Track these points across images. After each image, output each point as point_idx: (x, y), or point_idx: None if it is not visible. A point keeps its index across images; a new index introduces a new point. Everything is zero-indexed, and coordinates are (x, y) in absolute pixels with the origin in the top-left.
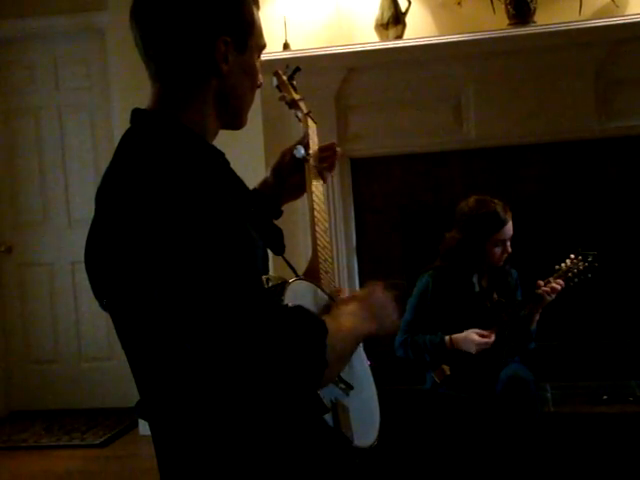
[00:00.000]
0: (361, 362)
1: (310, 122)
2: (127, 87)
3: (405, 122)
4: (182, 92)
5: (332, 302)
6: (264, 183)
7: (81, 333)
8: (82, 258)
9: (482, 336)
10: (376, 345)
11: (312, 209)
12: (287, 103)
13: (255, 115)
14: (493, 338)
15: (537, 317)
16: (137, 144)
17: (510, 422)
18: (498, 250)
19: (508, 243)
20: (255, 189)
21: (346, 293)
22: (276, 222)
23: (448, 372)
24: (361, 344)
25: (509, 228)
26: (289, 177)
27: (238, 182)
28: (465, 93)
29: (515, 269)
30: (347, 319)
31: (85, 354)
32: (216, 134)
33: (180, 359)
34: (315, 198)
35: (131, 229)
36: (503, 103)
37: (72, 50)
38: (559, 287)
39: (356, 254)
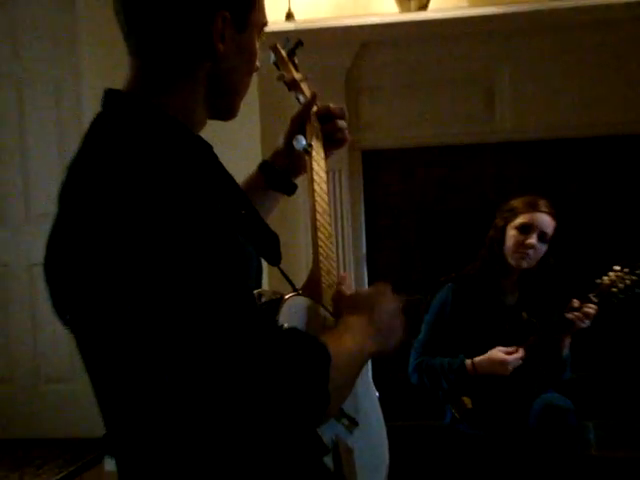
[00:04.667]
0: (367, 391)
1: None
2: (100, 60)
3: (428, 109)
4: (166, 73)
5: (334, 321)
6: (275, 154)
7: (39, 349)
8: (42, 261)
9: (508, 353)
10: (385, 370)
11: (314, 210)
12: (286, 84)
13: (251, 102)
14: (522, 353)
15: (567, 342)
16: (109, 132)
17: (546, 463)
18: (516, 234)
19: (534, 235)
20: (266, 163)
21: (350, 284)
22: (272, 227)
23: (469, 405)
24: (369, 369)
25: (541, 219)
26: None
27: (228, 180)
28: (499, 76)
29: (551, 280)
30: (350, 336)
31: (44, 374)
32: (204, 124)
33: (154, 390)
34: (318, 197)
35: (100, 234)
36: (545, 88)
37: (34, 13)
38: (593, 312)
39: (366, 265)
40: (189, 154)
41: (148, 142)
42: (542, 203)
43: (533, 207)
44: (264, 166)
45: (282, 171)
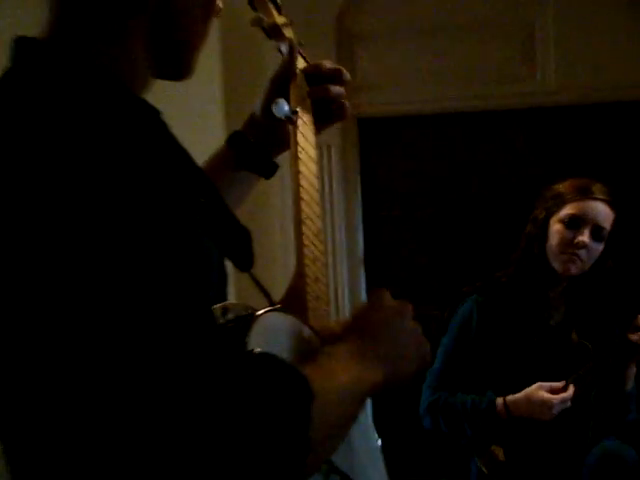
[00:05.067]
0: (365, 439)
1: (300, 60)
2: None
3: (445, 63)
4: (95, 14)
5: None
6: (250, 123)
7: None
8: None
9: (552, 390)
10: (389, 409)
11: (298, 198)
12: (265, 30)
13: (210, 55)
14: (572, 391)
15: (632, 373)
16: (23, 90)
17: None
18: (562, 230)
19: (586, 231)
20: (238, 134)
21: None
22: (242, 220)
23: (501, 457)
24: (368, 410)
25: (595, 209)
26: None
27: (181, 156)
28: (541, 22)
29: (610, 291)
30: (343, 367)
31: None
32: (148, 85)
33: (66, 430)
34: (304, 181)
35: (5, 222)
36: (600, 39)
37: None
38: None
39: (364, 269)
40: (131, 120)
41: (76, 104)
42: (597, 188)
43: (585, 193)
44: (235, 139)
45: (258, 146)
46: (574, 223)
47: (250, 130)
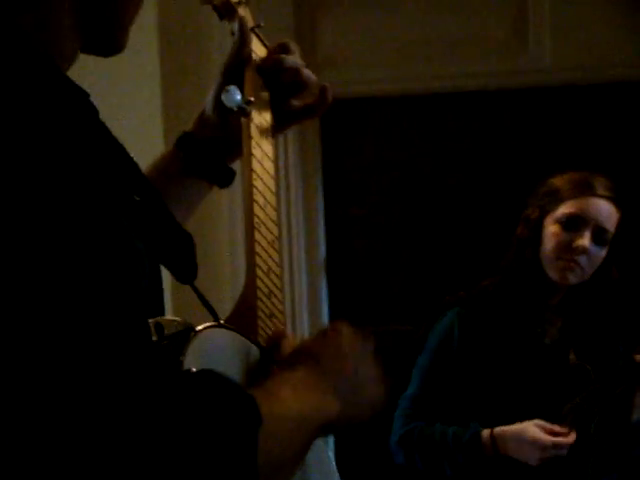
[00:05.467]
0: (324, 476)
1: (257, 44)
2: None
3: (424, 35)
4: None
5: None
6: (200, 122)
7: None
8: None
9: (551, 432)
10: (351, 444)
11: (251, 201)
12: (216, 9)
13: (147, 32)
14: (573, 438)
15: (639, 400)
16: None
17: None
18: (559, 232)
19: (587, 233)
20: (188, 136)
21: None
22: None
23: None
24: (328, 445)
25: (597, 207)
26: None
27: (112, 145)
28: None
29: (614, 304)
30: (296, 395)
31: None
32: (73, 59)
33: None
34: (257, 182)
35: None
36: (601, 10)
37: None
38: None
39: (325, 276)
40: (54, 101)
41: None
42: (599, 183)
43: (585, 189)
44: (183, 141)
45: (210, 149)
46: (572, 224)
47: (201, 130)
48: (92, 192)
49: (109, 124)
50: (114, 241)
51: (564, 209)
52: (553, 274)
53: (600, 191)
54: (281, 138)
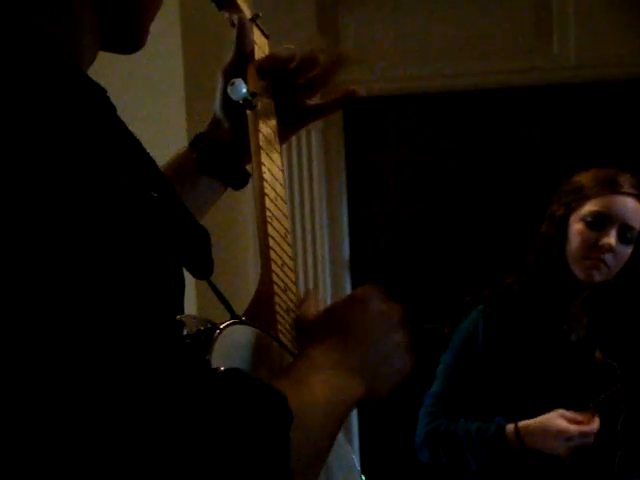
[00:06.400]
0: (346, 468)
1: (258, 34)
2: None
3: (446, 32)
4: None
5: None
6: (213, 124)
7: None
8: None
9: (574, 421)
10: (377, 438)
11: (261, 195)
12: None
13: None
14: (597, 425)
15: None
16: None
17: None
18: (584, 230)
19: (613, 232)
20: (202, 136)
21: (319, 303)
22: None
23: None
24: (347, 447)
25: (624, 205)
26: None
27: (130, 143)
28: None
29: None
30: (321, 379)
31: None
32: (94, 58)
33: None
34: (267, 174)
35: None
36: (627, 7)
37: None
38: None
39: (349, 274)
40: (74, 100)
41: (8, 79)
42: (625, 180)
43: (611, 187)
44: (198, 141)
45: (223, 149)
46: (598, 222)
47: (215, 131)
48: (118, 192)
49: (131, 120)
50: (141, 240)
51: (590, 207)
52: (579, 272)
53: (626, 188)
54: (304, 137)
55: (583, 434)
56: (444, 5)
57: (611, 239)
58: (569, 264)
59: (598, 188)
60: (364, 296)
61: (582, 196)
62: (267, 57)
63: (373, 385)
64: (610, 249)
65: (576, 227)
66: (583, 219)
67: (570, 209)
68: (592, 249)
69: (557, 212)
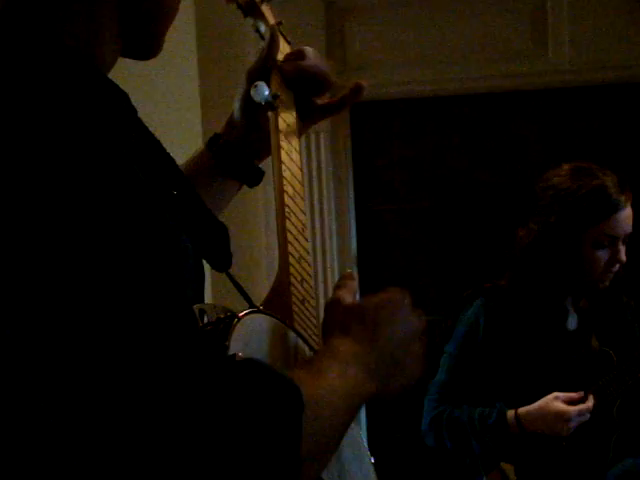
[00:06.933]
0: (357, 456)
1: (282, 41)
2: None
3: (447, 40)
4: None
5: (311, 352)
6: (229, 124)
7: None
8: None
9: (570, 401)
10: (385, 426)
11: (281, 191)
12: (241, 6)
13: (184, 35)
14: (591, 402)
15: None
16: None
17: None
18: (602, 254)
19: (622, 246)
20: (218, 137)
21: (355, 288)
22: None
23: (513, 477)
24: (356, 428)
25: (625, 218)
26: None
27: (151, 144)
28: None
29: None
30: (338, 370)
31: None
32: (113, 63)
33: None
34: (286, 172)
35: None
36: (621, 11)
37: None
38: None
39: (357, 268)
40: (95, 103)
41: (34, 84)
42: (626, 195)
43: (617, 208)
44: (214, 141)
45: (239, 149)
46: (609, 243)
47: (230, 132)
48: (140, 191)
49: (149, 124)
50: (163, 234)
51: (600, 231)
52: (594, 283)
53: (624, 202)
54: (313, 139)
55: (580, 412)
56: (447, 12)
57: (623, 256)
58: (583, 276)
59: (605, 210)
60: (397, 301)
61: (588, 216)
62: (296, 68)
63: (384, 386)
64: (622, 263)
65: (592, 255)
66: (597, 244)
67: (575, 226)
68: (606, 266)
69: (559, 224)
